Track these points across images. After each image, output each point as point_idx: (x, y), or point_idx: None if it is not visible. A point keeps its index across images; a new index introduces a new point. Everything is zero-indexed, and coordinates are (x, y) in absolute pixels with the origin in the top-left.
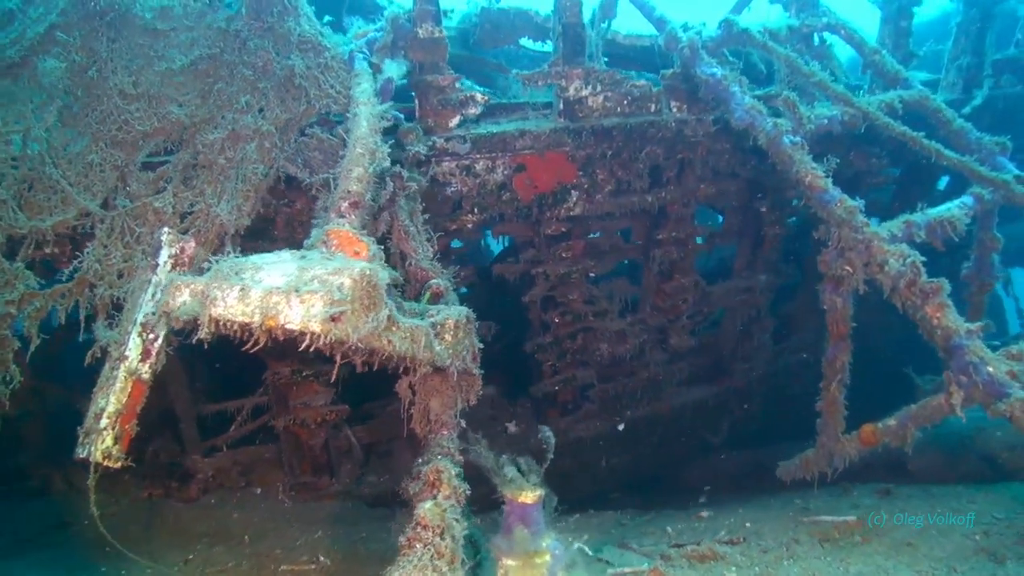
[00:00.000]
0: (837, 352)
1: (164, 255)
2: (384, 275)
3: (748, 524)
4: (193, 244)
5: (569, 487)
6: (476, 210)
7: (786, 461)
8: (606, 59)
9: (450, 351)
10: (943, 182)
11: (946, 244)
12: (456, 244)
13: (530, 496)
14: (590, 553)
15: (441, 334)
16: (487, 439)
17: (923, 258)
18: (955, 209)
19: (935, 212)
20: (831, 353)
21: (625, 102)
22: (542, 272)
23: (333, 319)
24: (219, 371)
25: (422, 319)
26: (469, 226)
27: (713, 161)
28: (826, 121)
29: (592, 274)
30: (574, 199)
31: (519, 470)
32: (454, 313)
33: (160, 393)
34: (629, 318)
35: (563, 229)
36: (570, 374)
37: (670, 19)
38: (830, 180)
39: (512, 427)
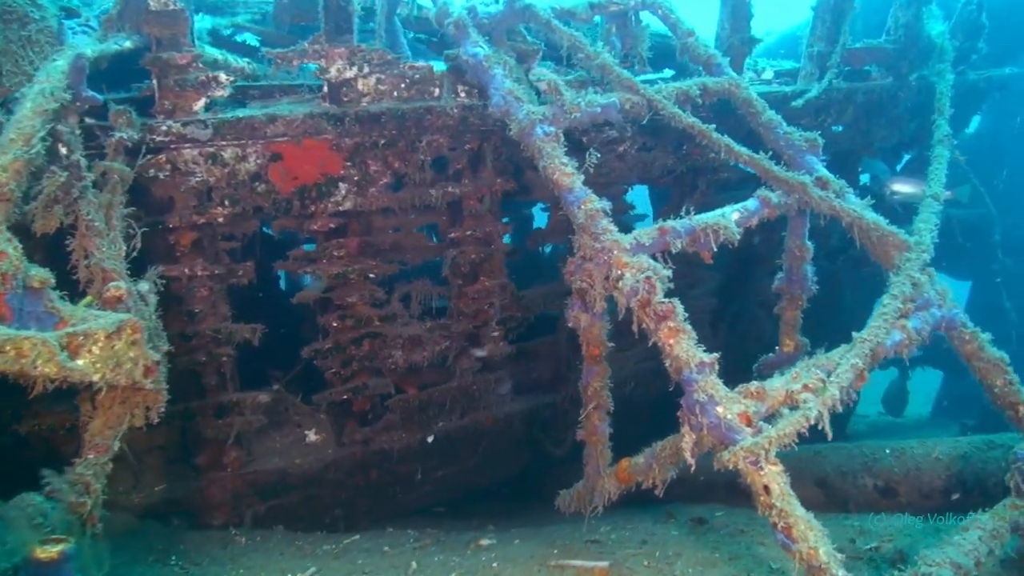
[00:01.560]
0: (591, 376)
1: None
2: None
3: (496, 564)
4: None
5: (382, 502)
6: (227, 202)
7: (566, 490)
8: (435, 39)
9: (99, 364)
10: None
11: None
12: None
13: (44, 552)
14: None
15: (85, 345)
16: (285, 447)
17: (667, 272)
18: (730, 214)
19: (703, 217)
20: (585, 378)
21: (402, 85)
22: (312, 272)
23: None
24: None
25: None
26: (220, 219)
27: (509, 152)
28: (599, 109)
29: (372, 275)
30: (343, 192)
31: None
32: (106, 322)
33: None
34: (429, 323)
35: (332, 225)
36: (360, 382)
37: None
38: (580, 178)
39: (312, 435)
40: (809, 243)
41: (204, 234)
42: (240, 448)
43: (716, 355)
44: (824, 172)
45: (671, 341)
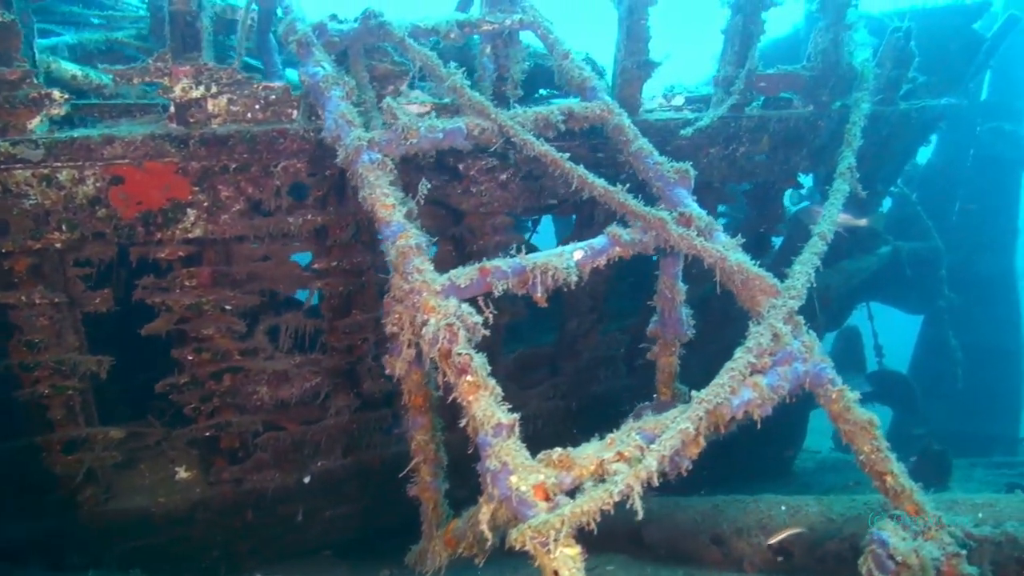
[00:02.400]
0: (415, 428)
1: None
2: None
3: None
4: None
5: (266, 544)
6: (65, 227)
7: (416, 546)
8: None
9: None
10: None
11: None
12: None
13: None
14: None
15: None
16: (153, 484)
17: (478, 318)
18: (570, 252)
19: (535, 256)
20: (409, 429)
21: (257, 107)
22: (162, 303)
23: None
24: None
25: None
26: (58, 245)
27: None
28: (441, 135)
29: (229, 306)
30: (192, 219)
31: None
32: None
33: None
34: (297, 358)
35: (182, 253)
36: (224, 419)
37: (297, 6)
38: (402, 211)
39: (182, 472)
40: (682, 284)
41: (44, 259)
42: (96, 485)
43: (516, 416)
44: (692, 207)
45: (470, 398)
